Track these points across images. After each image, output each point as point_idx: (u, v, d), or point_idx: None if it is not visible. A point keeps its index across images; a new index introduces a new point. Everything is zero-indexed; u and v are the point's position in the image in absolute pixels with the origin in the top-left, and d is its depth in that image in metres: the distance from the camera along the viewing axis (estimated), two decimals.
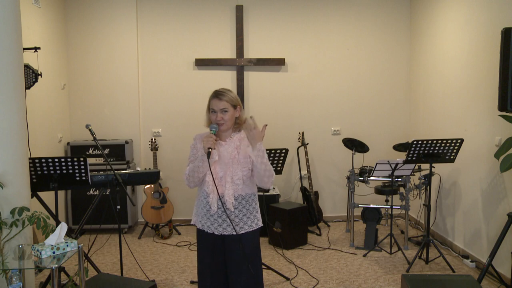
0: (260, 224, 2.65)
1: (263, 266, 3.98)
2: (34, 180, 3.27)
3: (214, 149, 2.45)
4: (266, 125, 2.55)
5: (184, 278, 4.00)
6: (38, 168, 3.25)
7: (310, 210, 5.32)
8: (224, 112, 2.51)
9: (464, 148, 4.17)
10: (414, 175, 4.78)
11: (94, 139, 3.50)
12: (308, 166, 5.50)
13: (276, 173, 3.99)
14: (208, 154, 2.40)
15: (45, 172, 3.26)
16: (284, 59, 5.65)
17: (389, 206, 4.65)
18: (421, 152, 4.09)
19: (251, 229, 2.58)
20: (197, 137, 2.64)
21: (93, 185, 3.62)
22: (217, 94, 2.53)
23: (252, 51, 5.65)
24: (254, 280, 2.59)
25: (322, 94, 5.76)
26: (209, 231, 2.56)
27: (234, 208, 2.52)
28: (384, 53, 5.77)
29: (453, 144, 4.05)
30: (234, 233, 2.53)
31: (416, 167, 4.68)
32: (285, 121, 5.73)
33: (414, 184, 4.73)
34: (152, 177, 4.13)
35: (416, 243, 4.83)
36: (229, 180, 2.49)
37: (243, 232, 2.55)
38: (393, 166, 4.35)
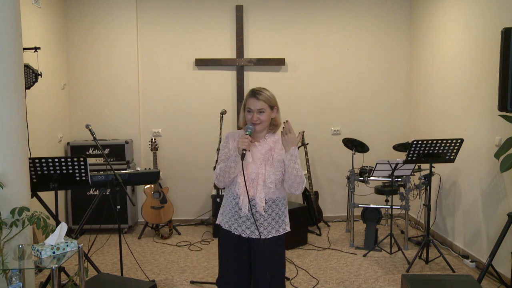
0: (288, 229, 2.59)
1: None
2: (34, 180, 3.27)
3: (249, 150, 2.39)
4: (304, 132, 2.50)
5: (184, 278, 4.00)
6: (38, 168, 3.25)
7: (310, 210, 5.32)
8: (261, 113, 2.45)
9: (464, 148, 4.17)
10: (414, 175, 4.78)
11: (94, 139, 3.50)
12: (308, 166, 5.50)
13: None
14: (243, 156, 2.34)
15: (45, 172, 3.26)
16: (284, 59, 5.65)
17: (389, 206, 4.65)
18: (421, 152, 4.09)
19: (278, 234, 2.52)
20: (229, 135, 2.56)
21: (93, 185, 3.62)
22: (255, 93, 2.46)
23: (252, 51, 5.65)
24: (277, 285, 2.53)
25: (322, 94, 5.76)
26: (236, 233, 2.50)
27: (264, 212, 2.46)
28: (384, 53, 5.77)
29: (453, 144, 4.05)
30: (262, 237, 2.47)
31: (416, 167, 4.68)
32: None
33: (414, 184, 4.73)
34: (152, 177, 4.13)
35: (416, 243, 4.83)
36: (261, 183, 2.43)
37: (270, 236, 2.49)
38: (393, 166, 4.35)
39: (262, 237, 2.47)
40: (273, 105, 2.51)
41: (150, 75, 5.64)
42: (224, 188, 2.71)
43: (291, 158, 2.39)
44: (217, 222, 2.64)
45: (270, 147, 2.49)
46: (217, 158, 2.53)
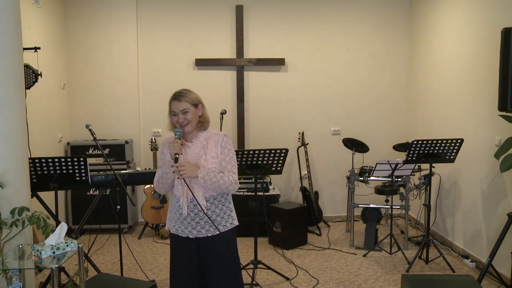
0: (236, 223, 2.60)
1: (263, 266, 4.00)
2: (34, 180, 3.27)
3: (181, 154, 2.43)
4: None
5: None
6: (38, 168, 3.25)
7: (310, 210, 5.32)
8: (186, 113, 2.48)
9: (464, 148, 4.17)
10: (414, 175, 4.77)
11: (94, 139, 3.50)
12: (308, 166, 5.50)
13: (276, 173, 4.02)
14: (176, 160, 2.38)
15: (45, 172, 3.26)
16: (284, 59, 5.65)
17: (389, 206, 4.65)
18: (421, 152, 4.09)
19: (225, 229, 2.53)
20: (165, 142, 2.60)
21: (93, 185, 3.62)
22: (176, 96, 2.50)
23: (252, 51, 5.65)
24: (234, 282, 2.55)
25: (322, 94, 5.76)
26: (183, 235, 2.52)
27: (206, 210, 2.48)
28: (384, 53, 5.77)
29: (453, 144, 4.05)
30: (209, 234, 2.49)
31: (416, 167, 4.68)
32: (285, 121, 5.73)
33: (414, 184, 4.73)
34: (152, 177, 4.08)
35: (416, 243, 4.83)
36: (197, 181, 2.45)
37: (218, 232, 2.51)
38: (393, 166, 4.35)
39: (209, 235, 2.50)
40: (196, 103, 2.53)
41: (150, 75, 5.64)
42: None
43: (203, 181, 2.41)
44: (166, 228, 2.67)
45: (203, 145, 2.52)
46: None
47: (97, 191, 5.21)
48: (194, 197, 2.45)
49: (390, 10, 5.74)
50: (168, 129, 2.60)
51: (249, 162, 3.79)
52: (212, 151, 2.50)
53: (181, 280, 2.56)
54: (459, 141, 4.05)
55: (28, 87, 3.82)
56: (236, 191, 2.77)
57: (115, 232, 5.12)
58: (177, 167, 2.35)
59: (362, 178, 4.83)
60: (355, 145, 5.02)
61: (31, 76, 3.89)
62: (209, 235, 2.50)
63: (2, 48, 2.72)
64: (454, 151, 4.09)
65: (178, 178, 2.42)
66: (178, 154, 2.39)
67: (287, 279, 3.94)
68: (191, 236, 2.51)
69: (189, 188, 2.44)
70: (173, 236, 2.59)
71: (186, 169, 2.37)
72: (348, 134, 5.62)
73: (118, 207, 3.67)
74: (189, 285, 2.55)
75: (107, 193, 3.77)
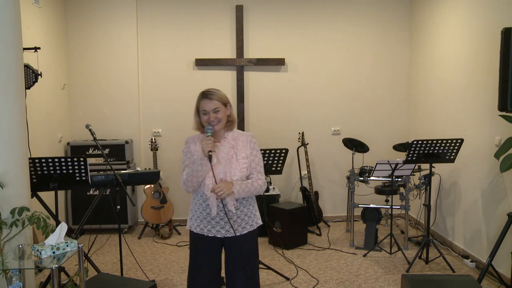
0: (260, 222, 2.64)
1: (263, 266, 4.00)
2: (34, 180, 3.27)
3: (215, 151, 2.43)
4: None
5: (184, 278, 4.00)
6: (38, 168, 3.25)
7: (310, 210, 5.32)
8: (217, 112, 2.47)
9: (464, 148, 4.17)
10: (414, 175, 4.77)
11: (94, 139, 3.50)
12: (308, 166, 5.50)
13: (276, 173, 4.03)
14: (210, 158, 2.36)
15: (45, 172, 3.26)
16: (284, 59, 5.65)
17: (389, 206, 4.65)
18: (421, 152, 4.09)
19: (252, 228, 2.57)
20: (189, 140, 2.60)
21: (93, 185, 3.62)
22: (207, 95, 2.50)
23: (252, 51, 5.65)
24: (252, 281, 2.58)
25: (322, 94, 5.76)
26: (210, 235, 2.52)
27: (236, 209, 2.50)
28: (384, 53, 5.77)
29: (453, 144, 4.05)
30: (237, 234, 2.51)
31: (416, 167, 4.68)
32: (285, 121, 5.73)
33: (414, 184, 4.73)
34: (152, 177, 4.13)
35: (416, 243, 4.83)
36: (229, 181, 2.47)
37: (245, 232, 2.54)
38: (393, 166, 4.35)
39: (237, 234, 2.51)
40: (226, 103, 2.53)
41: (150, 75, 5.64)
42: None
43: (238, 195, 2.45)
44: (187, 228, 2.65)
45: (232, 145, 2.53)
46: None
47: (97, 191, 5.21)
48: (223, 200, 2.45)
49: (390, 10, 5.74)
50: (194, 128, 2.60)
51: None
52: (242, 151, 2.51)
53: (202, 278, 2.57)
54: (459, 141, 4.05)
55: (28, 87, 3.82)
56: None
57: (115, 232, 5.12)
58: (217, 191, 2.37)
59: (362, 178, 4.83)
60: (355, 145, 5.02)
61: (31, 76, 3.89)
62: (237, 234, 2.52)
63: (2, 48, 2.72)
64: (454, 151, 4.09)
65: (217, 199, 2.43)
66: (211, 152, 2.38)
67: (287, 279, 3.94)
68: (219, 236, 2.52)
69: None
70: (196, 235, 2.57)
71: (223, 189, 2.37)
72: (348, 134, 5.62)
73: (118, 207, 3.67)
74: (210, 284, 2.58)
75: (107, 193, 3.77)
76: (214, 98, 2.48)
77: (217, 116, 2.47)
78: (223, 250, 2.62)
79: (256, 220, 2.61)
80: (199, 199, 2.55)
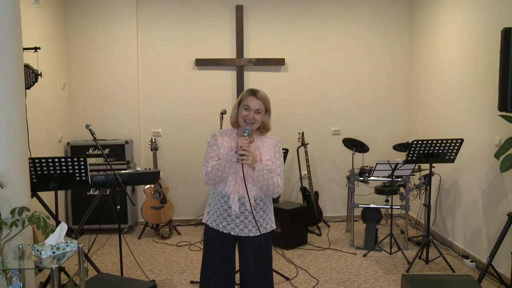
0: (274, 226, 2.65)
1: None
2: (34, 180, 3.27)
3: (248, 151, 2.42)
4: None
5: (184, 278, 4.00)
6: (38, 168, 3.25)
7: (310, 210, 5.32)
8: (258, 113, 2.48)
9: (464, 148, 4.17)
10: (414, 175, 4.77)
11: (94, 139, 3.50)
12: (308, 166, 5.50)
13: None
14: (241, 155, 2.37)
15: (45, 172, 3.26)
16: (284, 59, 5.65)
17: (389, 206, 4.65)
18: (421, 152, 4.09)
19: (265, 231, 2.57)
20: (217, 133, 2.60)
21: (93, 185, 3.62)
22: (255, 93, 2.51)
23: (252, 51, 5.65)
24: (267, 281, 2.57)
25: (322, 94, 5.76)
26: (225, 231, 2.53)
27: (253, 210, 2.50)
28: (384, 53, 5.77)
29: (453, 144, 4.05)
30: (251, 234, 2.52)
31: (416, 167, 4.68)
32: (285, 121, 5.73)
33: (414, 184, 4.73)
34: (152, 177, 4.13)
35: (416, 243, 4.82)
36: (251, 181, 2.47)
37: (259, 233, 2.54)
38: (393, 166, 4.35)
39: (251, 235, 2.52)
40: (268, 109, 2.55)
41: (150, 75, 5.64)
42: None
43: (257, 175, 2.42)
44: (203, 221, 2.67)
45: (258, 146, 2.54)
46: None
47: (97, 191, 5.21)
48: (248, 194, 2.44)
49: (390, 10, 5.74)
50: (232, 120, 2.58)
51: None
52: (267, 153, 2.52)
53: (214, 273, 2.57)
54: (459, 141, 4.04)
55: (28, 87, 3.82)
56: None
57: (115, 232, 5.12)
58: (241, 152, 2.33)
59: (362, 178, 4.83)
60: (355, 145, 5.02)
61: (31, 76, 3.89)
62: (250, 235, 2.52)
63: (2, 48, 2.72)
64: (454, 151, 4.09)
65: (237, 161, 2.38)
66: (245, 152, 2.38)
67: (287, 279, 3.94)
68: (233, 233, 2.53)
69: (246, 185, 2.42)
70: (210, 229, 2.58)
71: (249, 157, 2.35)
72: (348, 134, 5.62)
73: (118, 207, 3.67)
74: (222, 278, 2.57)
75: (107, 193, 3.77)
76: (261, 99, 2.50)
77: (255, 117, 2.48)
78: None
79: (270, 224, 2.61)
80: (217, 195, 2.55)
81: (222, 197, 2.53)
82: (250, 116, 2.46)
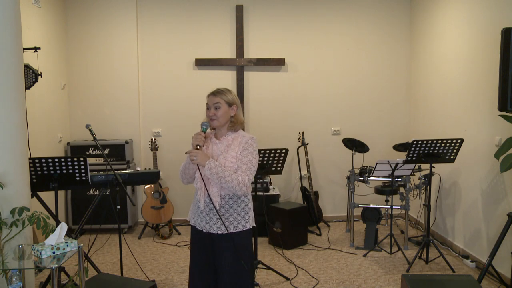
0: (249, 226, 2.57)
1: (263, 266, 4.00)
2: (34, 180, 3.27)
3: (203, 146, 2.49)
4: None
5: (184, 278, 4.00)
6: (38, 168, 3.25)
7: (310, 210, 5.32)
8: (217, 108, 2.52)
9: (464, 148, 4.17)
10: (414, 175, 4.77)
11: (94, 139, 3.50)
12: (308, 166, 5.50)
13: (276, 173, 4.02)
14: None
15: (45, 172, 3.26)
16: (284, 59, 5.65)
17: (389, 206, 4.65)
18: (421, 152, 4.09)
19: (236, 230, 2.52)
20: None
21: (93, 185, 3.62)
22: (213, 92, 2.58)
23: (252, 51, 5.65)
24: (241, 281, 2.52)
25: (322, 94, 5.76)
26: (199, 228, 2.58)
27: (220, 207, 2.50)
28: (384, 53, 5.77)
29: (453, 144, 4.05)
30: (219, 232, 2.50)
31: (416, 167, 4.68)
32: (285, 121, 5.73)
33: (414, 184, 4.73)
34: (152, 177, 4.12)
35: (416, 243, 4.82)
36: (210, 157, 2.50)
37: (231, 231, 2.51)
38: (393, 166, 4.35)
39: (219, 232, 2.51)
40: (231, 103, 2.56)
41: (150, 75, 5.64)
42: None
43: (210, 173, 2.41)
44: (187, 218, 2.72)
45: (228, 144, 2.55)
46: None
47: (97, 191, 5.21)
48: (208, 192, 2.48)
49: (390, 10, 5.74)
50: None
51: None
52: (234, 150, 2.51)
53: (198, 269, 2.60)
54: (459, 141, 4.05)
55: (28, 87, 3.82)
56: None
57: (115, 232, 5.12)
58: (188, 151, 2.44)
59: (362, 178, 4.83)
60: (355, 145, 5.02)
61: (31, 76, 3.89)
62: (219, 232, 2.52)
63: (2, 48, 2.72)
64: (454, 151, 4.09)
65: (191, 162, 2.47)
66: (200, 146, 2.44)
67: (287, 279, 3.94)
68: (204, 230, 2.55)
69: (204, 182, 2.47)
70: (192, 227, 2.65)
71: (197, 156, 2.41)
72: (348, 134, 5.62)
73: (118, 207, 3.67)
74: (204, 275, 2.57)
75: (107, 193, 3.77)
76: (218, 95, 2.54)
77: (216, 113, 2.52)
78: None
79: (243, 223, 2.53)
80: (195, 193, 2.62)
81: (196, 194, 2.59)
82: (210, 113, 2.53)
